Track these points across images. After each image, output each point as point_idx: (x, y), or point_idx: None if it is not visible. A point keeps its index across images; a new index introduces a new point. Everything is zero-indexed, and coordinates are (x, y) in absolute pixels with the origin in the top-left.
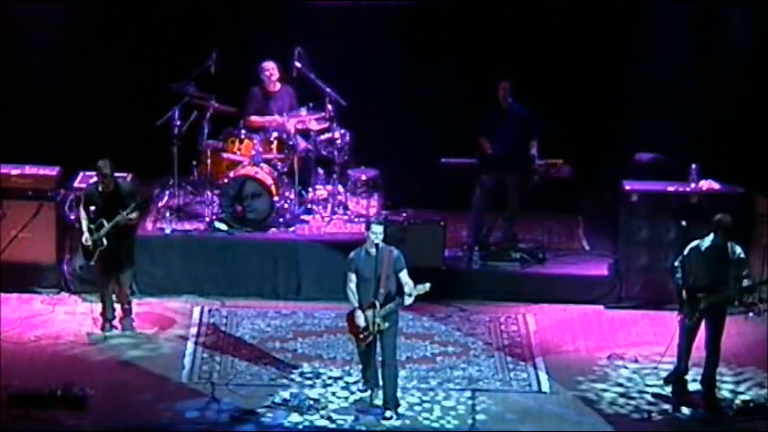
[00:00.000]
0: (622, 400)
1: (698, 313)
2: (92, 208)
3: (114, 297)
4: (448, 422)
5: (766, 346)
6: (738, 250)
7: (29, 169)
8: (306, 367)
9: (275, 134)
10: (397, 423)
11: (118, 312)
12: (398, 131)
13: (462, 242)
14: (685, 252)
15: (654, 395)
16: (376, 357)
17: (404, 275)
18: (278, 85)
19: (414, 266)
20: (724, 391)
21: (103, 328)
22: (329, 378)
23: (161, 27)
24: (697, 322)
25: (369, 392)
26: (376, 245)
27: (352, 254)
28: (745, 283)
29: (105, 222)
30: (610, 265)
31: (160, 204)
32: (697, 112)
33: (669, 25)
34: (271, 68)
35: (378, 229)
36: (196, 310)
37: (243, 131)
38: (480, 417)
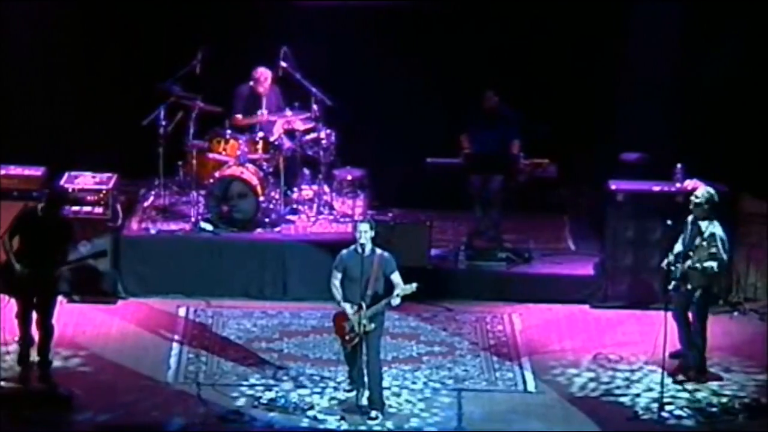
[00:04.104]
0: (607, 400)
1: (673, 284)
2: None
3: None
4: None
5: (751, 345)
6: (712, 228)
7: (14, 170)
8: (292, 368)
9: (261, 134)
10: (382, 423)
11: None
12: (384, 131)
13: (449, 241)
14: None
15: (640, 394)
16: (362, 358)
17: (395, 277)
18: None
19: (400, 266)
20: (708, 391)
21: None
22: (315, 378)
23: (147, 26)
24: (679, 303)
25: (355, 392)
26: (363, 245)
27: (341, 253)
28: (707, 264)
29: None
30: (596, 264)
31: (145, 204)
32: (682, 112)
33: (654, 25)
34: (264, 78)
35: (363, 227)
36: (182, 310)
37: (228, 131)
38: (466, 417)
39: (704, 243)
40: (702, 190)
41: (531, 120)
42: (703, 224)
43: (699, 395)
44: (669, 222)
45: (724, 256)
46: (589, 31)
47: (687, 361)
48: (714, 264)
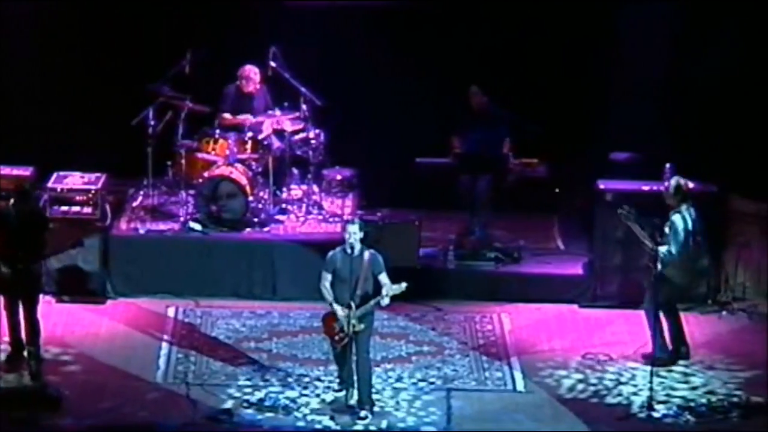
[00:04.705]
0: (597, 399)
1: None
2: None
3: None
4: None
5: (739, 344)
6: (673, 216)
7: (2, 169)
8: (281, 368)
9: (250, 134)
10: (372, 422)
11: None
12: (373, 131)
13: (438, 241)
14: None
15: (629, 393)
16: (351, 357)
17: (384, 277)
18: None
19: (389, 266)
20: (700, 391)
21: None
22: (304, 378)
23: (136, 27)
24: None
25: (344, 392)
26: (352, 245)
27: (330, 254)
28: (659, 248)
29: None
30: (585, 264)
31: (134, 204)
32: (673, 112)
33: (644, 24)
34: (254, 73)
35: (353, 228)
36: (171, 310)
37: (217, 131)
38: (456, 416)
39: (666, 230)
40: (672, 181)
41: (523, 120)
42: (671, 216)
43: (689, 394)
44: (657, 221)
45: (672, 248)
46: (580, 31)
47: (679, 355)
48: (663, 248)
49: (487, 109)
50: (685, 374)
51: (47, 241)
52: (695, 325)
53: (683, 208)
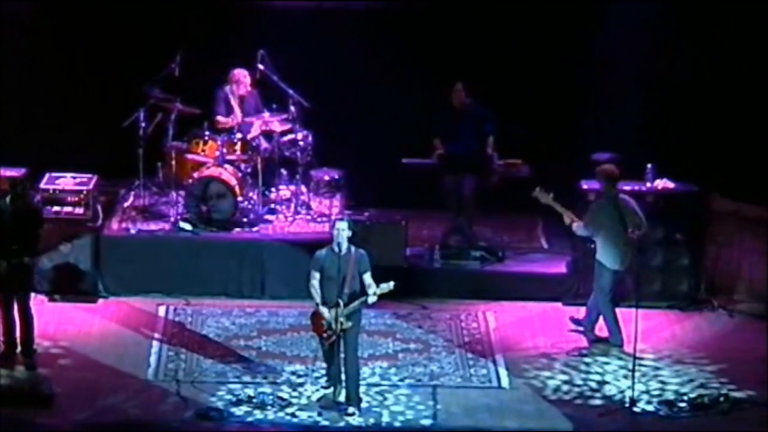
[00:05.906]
0: (580, 396)
1: None
2: None
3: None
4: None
5: (719, 341)
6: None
7: None
8: (270, 365)
9: (239, 135)
10: (359, 419)
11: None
12: (360, 132)
13: (424, 240)
14: None
15: (612, 389)
16: (339, 355)
17: (368, 277)
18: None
19: (376, 265)
20: (687, 388)
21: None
22: (293, 375)
23: (127, 29)
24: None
25: (332, 389)
26: (340, 244)
27: (317, 253)
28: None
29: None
30: (568, 263)
31: (125, 204)
32: (654, 112)
33: (626, 26)
34: (243, 76)
35: (341, 226)
36: (162, 309)
37: (207, 133)
38: (441, 413)
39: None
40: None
41: (507, 121)
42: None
43: (672, 390)
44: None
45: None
46: (563, 33)
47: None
48: (575, 225)
49: (470, 109)
50: (668, 370)
51: (42, 237)
52: (677, 323)
53: (607, 197)
